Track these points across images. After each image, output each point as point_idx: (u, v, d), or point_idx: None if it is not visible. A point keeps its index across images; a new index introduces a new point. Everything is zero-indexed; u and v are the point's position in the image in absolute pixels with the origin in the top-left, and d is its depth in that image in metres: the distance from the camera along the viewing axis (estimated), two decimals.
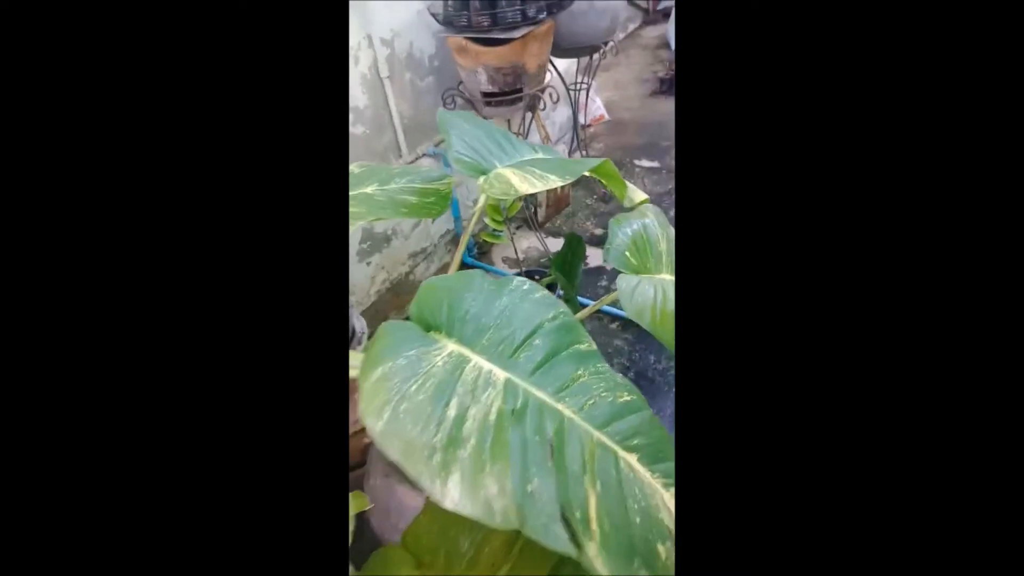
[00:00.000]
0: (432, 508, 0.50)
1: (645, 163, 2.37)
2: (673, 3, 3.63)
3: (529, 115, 1.78)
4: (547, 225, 2.14)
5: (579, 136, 2.23)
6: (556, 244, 2.05)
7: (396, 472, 0.88)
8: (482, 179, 0.70)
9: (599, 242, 2.18)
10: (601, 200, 2.24)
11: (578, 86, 2.12)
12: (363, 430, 0.43)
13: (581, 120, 2.31)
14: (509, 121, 1.87)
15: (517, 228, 2.12)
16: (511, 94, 1.59)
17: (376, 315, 1.75)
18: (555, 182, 0.66)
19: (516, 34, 1.44)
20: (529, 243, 2.03)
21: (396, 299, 1.83)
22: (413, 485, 0.91)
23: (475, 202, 2.16)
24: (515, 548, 0.50)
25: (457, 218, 1.96)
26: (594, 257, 2.13)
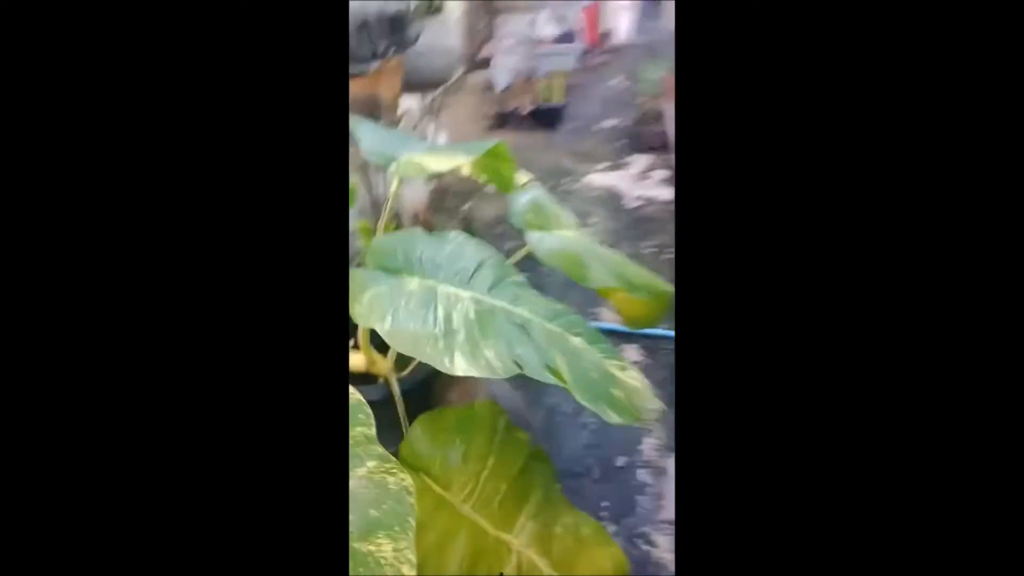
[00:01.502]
0: (419, 423, 0.57)
1: None
2: (491, 52, 4.07)
3: None
4: None
5: None
6: None
7: None
8: (394, 164, 0.79)
9: None
10: (466, 221, 2.40)
11: (425, 123, 2.29)
12: None
13: None
14: None
15: None
16: None
17: None
18: (461, 159, 0.78)
19: (370, 67, 1.55)
20: None
21: None
22: None
23: None
24: (495, 442, 0.59)
25: None
26: None
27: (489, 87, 3.91)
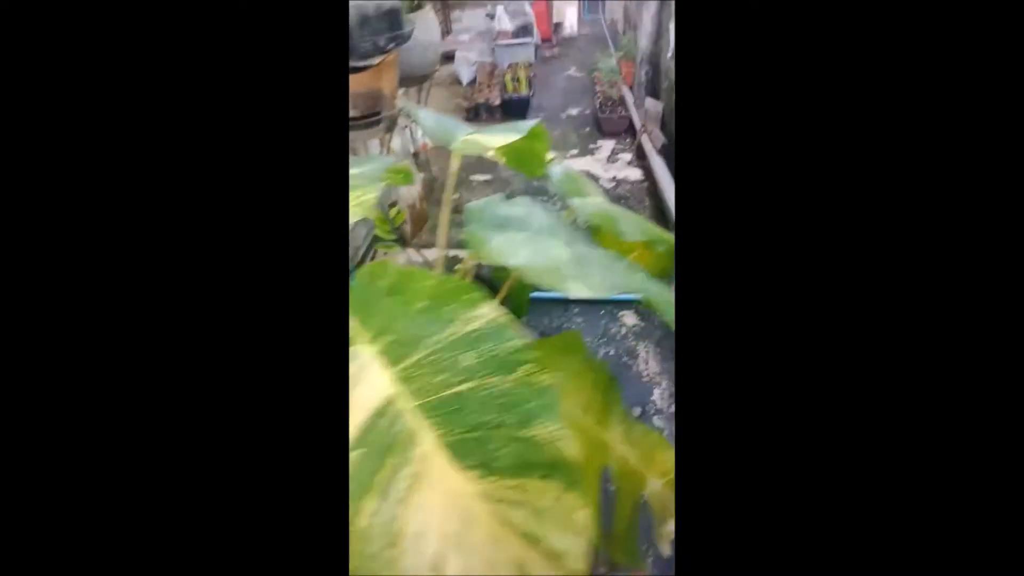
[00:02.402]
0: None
1: (480, 177, 2.71)
2: (453, 47, 4.15)
3: (388, 135, 1.96)
4: (414, 240, 2.32)
5: (418, 159, 2.48)
6: (430, 255, 2.24)
7: None
8: (454, 144, 0.89)
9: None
10: (456, 212, 2.50)
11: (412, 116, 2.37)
12: None
13: (410, 148, 2.56)
14: (365, 143, 2.02)
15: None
16: (371, 116, 1.75)
17: None
18: (513, 137, 0.89)
19: (373, 61, 1.63)
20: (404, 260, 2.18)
21: None
22: None
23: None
24: (587, 360, 0.71)
25: None
26: None
27: (456, 81, 4.00)
